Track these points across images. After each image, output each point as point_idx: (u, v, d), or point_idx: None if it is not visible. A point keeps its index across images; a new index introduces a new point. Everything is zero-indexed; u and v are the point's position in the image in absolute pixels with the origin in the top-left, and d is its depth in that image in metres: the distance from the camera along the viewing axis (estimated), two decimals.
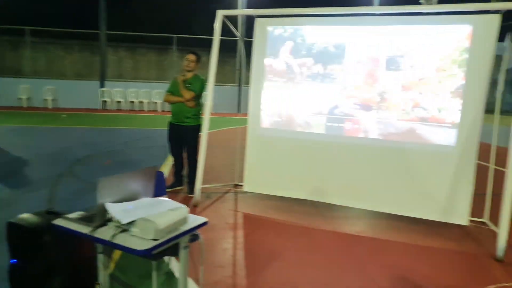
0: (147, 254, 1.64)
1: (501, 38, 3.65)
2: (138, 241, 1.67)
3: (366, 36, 3.97)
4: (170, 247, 1.83)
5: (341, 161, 4.22)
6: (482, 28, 3.57)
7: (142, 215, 1.74)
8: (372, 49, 3.94)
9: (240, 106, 15.28)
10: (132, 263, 2.84)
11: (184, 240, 1.89)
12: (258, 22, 4.33)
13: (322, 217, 4.22)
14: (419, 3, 9.85)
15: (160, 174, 2.50)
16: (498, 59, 4.04)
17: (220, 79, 16.53)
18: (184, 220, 1.86)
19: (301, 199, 4.44)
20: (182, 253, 1.91)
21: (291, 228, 3.91)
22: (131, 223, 1.73)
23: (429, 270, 3.19)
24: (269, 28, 4.29)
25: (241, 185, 4.86)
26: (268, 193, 4.63)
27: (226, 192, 4.89)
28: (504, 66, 3.93)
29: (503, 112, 3.83)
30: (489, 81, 3.64)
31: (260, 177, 4.53)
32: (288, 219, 4.16)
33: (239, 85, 16.41)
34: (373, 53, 3.94)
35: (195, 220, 1.94)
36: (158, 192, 2.27)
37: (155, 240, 1.68)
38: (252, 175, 4.55)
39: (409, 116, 3.91)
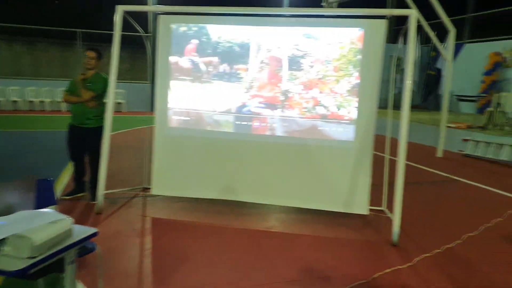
0: (21, 274, 1.47)
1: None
2: (11, 261, 1.49)
3: (269, 36, 4.06)
4: (55, 262, 1.67)
5: (250, 159, 4.28)
6: (371, 31, 3.87)
7: (15, 231, 1.55)
8: (275, 49, 4.05)
9: (153, 104, 14.70)
10: (21, 285, 2.55)
11: (69, 255, 1.73)
12: (161, 19, 4.18)
13: (234, 215, 4.24)
14: (321, 6, 10.42)
15: (47, 183, 2.27)
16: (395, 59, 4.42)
17: (133, 76, 15.78)
18: (68, 233, 1.70)
19: (213, 199, 4.41)
20: (68, 269, 1.75)
21: (202, 229, 3.86)
22: (2, 241, 1.53)
23: (334, 260, 3.36)
24: (173, 26, 4.17)
25: (150, 188, 4.67)
26: (178, 195, 4.52)
27: (134, 197, 4.66)
28: (393, 66, 4.33)
29: (394, 107, 4.18)
30: (380, 80, 3.95)
31: (169, 179, 4.39)
32: (199, 220, 4.10)
33: (152, 83, 15.82)
34: (276, 53, 4.04)
35: (83, 231, 1.79)
36: (44, 203, 2.05)
37: (32, 258, 1.51)
38: (161, 177, 4.40)
39: (311, 113, 4.09)
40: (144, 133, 4.59)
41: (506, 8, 12.72)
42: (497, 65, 12.17)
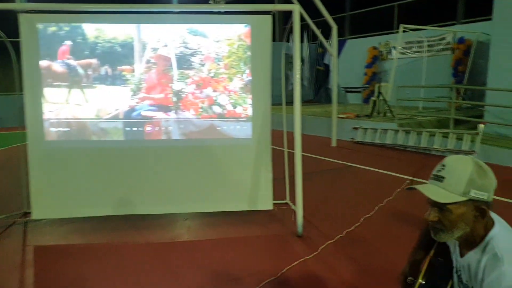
0: None
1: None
2: None
3: (154, 34, 3.79)
4: None
5: (146, 167, 3.97)
6: (258, 27, 3.86)
7: None
8: (162, 48, 3.80)
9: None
10: None
11: None
12: (23, 18, 3.61)
13: (134, 230, 3.90)
14: (208, 2, 10.35)
15: None
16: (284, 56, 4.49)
17: (5, 87, 13.84)
18: None
19: (108, 216, 3.99)
20: None
21: (98, 250, 3.46)
22: None
23: (243, 260, 3.27)
24: (40, 26, 3.64)
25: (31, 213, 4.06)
26: (65, 216, 4.00)
27: (12, 224, 4.01)
28: (283, 63, 4.40)
29: (289, 103, 4.24)
30: (271, 76, 3.97)
31: (52, 199, 3.85)
32: (93, 241, 3.68)
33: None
34: (163, 52, 3.80)
35: None
36: None
37: None
38: (41, 198, 3.83)
39: (208, 113, 3.95)
40: (21, 150, 3.97)
41: (378, 7, 14.22)
42: (375, 58, 13.47)
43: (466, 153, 6.73)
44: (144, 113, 3.87)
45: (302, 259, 3.24)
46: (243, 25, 3.85)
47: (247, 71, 3.92)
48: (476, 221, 1.23)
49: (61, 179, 3.86)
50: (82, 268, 3.13)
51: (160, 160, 3.98)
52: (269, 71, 3.94)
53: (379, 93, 9.55)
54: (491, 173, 1.23)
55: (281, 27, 16.87)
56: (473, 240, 1.26)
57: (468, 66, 10.40)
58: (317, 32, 8.11)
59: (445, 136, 7.19)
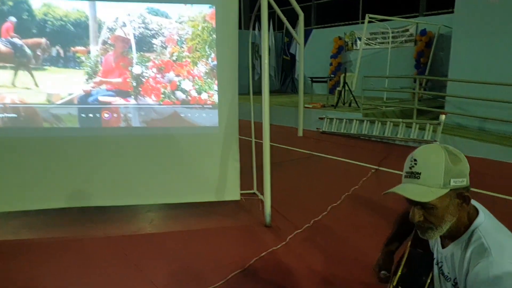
0: None
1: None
2: None
3: (111, 13, 3.51)
4: None
5: (104, 157, 3.71)
6: (223, 9, 3.67)
7: None
8: (120, 28, 3.53)
9: None
10: None
11: None
12: None
13: (93, 224, 3.65)
14: None
15: None
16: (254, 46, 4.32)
17: None
18: None
19: (64, 208, 3.71)
20: None
21: (53, 246, 3.20)
22: None
23: (210, 253, 3.14)
24: None
25: None
26: (14, 210, 3.69)
27: None
28: (250, 51, 4.24)
29: (256, 93, 4.10)
30: (237, 61, 3.80)
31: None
32: (48, 235, 3.41)
33: None
34: (121, 32, 3.53)
35: None
36: None
37: None
38: None
39: (170, 99, 3.73)
40: None
41: None
42: (341, 48, 13.57)
43: (427, 142, 6.89)
44: (101, 99, 3.60)
45: (271, 250, 3.15)
46: (207, 5, 3.65)
47: (213, 55, 3.73)
48: (461, 209, 1.15)
49: (8, 169, 3.53)
50: (36, 268, 2.88)
51: (119, 149, 3.73)
52: (236, 56, 3.77)
53: (345, 83, 9.61)
54: (462, 156, 1.14)
55: (248, 15, 16.64)
56: (457, 230, 1.18)
57: (430, 58, 10.68)
58: (284, 19, 7.98)
59: (409, 126, 7.32)
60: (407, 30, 11.54)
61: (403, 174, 1.19)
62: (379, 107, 9.33)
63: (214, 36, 3.70)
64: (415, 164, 1.14)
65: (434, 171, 1.11)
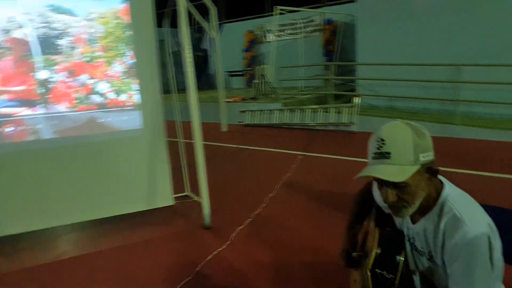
0: None
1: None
2: None
3: (4, 13, 3.04)
4: None
5: (11, 177, 3.23)
6: (137, 4, 3.40)
7: None
8: (17, 29, 3.08)
9: None
10: None
11: None
12: None
13: (4, 258, 3.16)
14: None
15: None
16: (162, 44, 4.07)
17: None
18: None
19: None
20: None
21: None
22: None
23: (149, 266, 2.90)
24: None
25: None
26: None
27: None
28: (168, 50, 3.99)
29: (180, 90, 3.89)
30: (158, 59, 3.57)
31: None
32: None
33: None
34: (18, 34, 3.08)
35: None
36: None
37: None
38: None
39: (85, 104, 3.37)
40: None
41: None
42: (253, 42, 13.72)
43: (346, 125, 7.29)
44: (1, 111, 3.11)
45: (216, 252, 3.02)
46: (117, 0, 3.35)
47: (130, 52, 3.44)
48: (430, 183, 1.16)
49: None
50: None
51: (32, 165, 3.28)
52: (155, 52, 3.54)
53: (262, 75, 9.73)
54: (425, 129, 1.15)
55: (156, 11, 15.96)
56: (427, 204, 1.19)
57: (337, 45, 11.29)
58: (197, 14, 7.79)
59: (326, 111, 7.66)
60: (313, 20, 12.05)
61: (369, 155, 1.16)
62: (296, 96, 9.63)
63: (129, 33, 3.41)
64: (383, 144, 1.11)
65: (403, 149, 1.10)
